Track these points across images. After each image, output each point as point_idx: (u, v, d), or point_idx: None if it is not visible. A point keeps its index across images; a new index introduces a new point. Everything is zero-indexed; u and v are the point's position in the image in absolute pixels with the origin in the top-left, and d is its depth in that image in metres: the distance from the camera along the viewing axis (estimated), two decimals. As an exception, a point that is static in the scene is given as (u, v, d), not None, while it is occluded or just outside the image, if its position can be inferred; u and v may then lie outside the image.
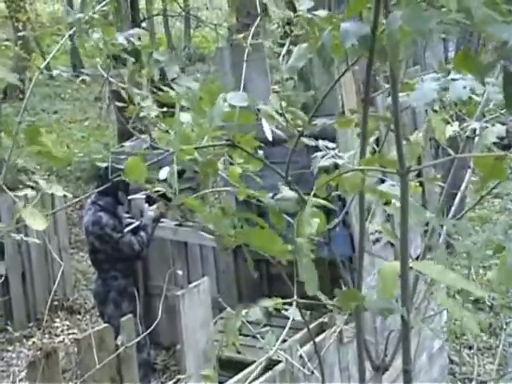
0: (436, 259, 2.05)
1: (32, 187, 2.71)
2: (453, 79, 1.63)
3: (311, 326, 6.06)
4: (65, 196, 2.70)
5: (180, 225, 7.63)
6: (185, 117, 2.13)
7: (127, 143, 8.53)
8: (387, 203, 2.24)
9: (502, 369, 7.86)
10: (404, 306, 1.69)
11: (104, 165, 3.06)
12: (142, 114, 2.71)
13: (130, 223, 7.14)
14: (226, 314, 6.78)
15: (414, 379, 5.36)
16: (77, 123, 20.15)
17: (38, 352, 3.60)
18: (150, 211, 7.14)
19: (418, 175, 6.76)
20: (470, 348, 8.14)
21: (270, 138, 2.52)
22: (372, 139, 3.05)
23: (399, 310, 1.52)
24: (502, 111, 2.37)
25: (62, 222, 10.43)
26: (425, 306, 5.89)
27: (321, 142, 2.57)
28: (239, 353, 5.84)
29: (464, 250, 2.24)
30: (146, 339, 7.24)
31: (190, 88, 2.28)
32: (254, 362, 5.48)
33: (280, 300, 1.97)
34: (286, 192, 2.34)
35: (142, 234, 7.04)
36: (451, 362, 7.89)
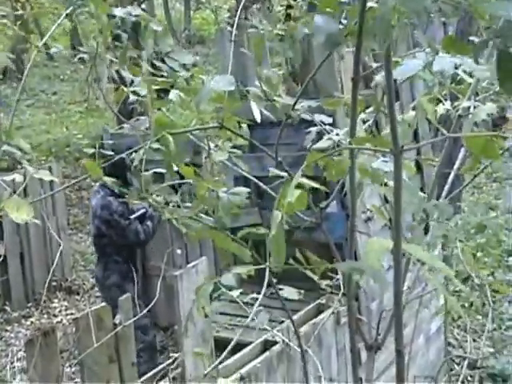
0: (414, 240, 2.06)
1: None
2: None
3: (309, 308, 6.09)
4: (52, 181, 2.72)
5: (179, 206, 7.64)
6: (173, 95, 2.15)
7: (126, 125, 8.51)
8: (384, 184, 2.26)
9: (498, 352, 7.90)
10: (396, 287, 1.71)
11: (91, 151, 3.08)
12: (131, 98, 2.70)
13: (136, 209, 7.12)
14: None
15: (410, 361, 5.38)
16: (76, 104, 20.14)
17: (36, 331, 3.62)
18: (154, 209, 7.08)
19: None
20: (467, 331, 8.18)
21: (259, 120, 2.55)
22: (371, 121, 3.07)
23: (376, 274, 1.53)
24: (496, 89, 2.40)
25: (60, 203, 10.45)
26: (422, 288, 5.95)
27: (316, 117, 2.59)
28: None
29: (441, 231, 2.25)
30: (151, 321, 7.28)
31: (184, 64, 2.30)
32: (251, 343, 5.52)
33: (252, 267, 1.98)
34: (238, 188, 2.43)
35: (149, 223, 7.04)
36: (448, 344, 7.92)
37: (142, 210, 7.08)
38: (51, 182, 9.89)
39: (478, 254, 10.36)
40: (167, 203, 2.67)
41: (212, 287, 2.84)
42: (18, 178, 2.88)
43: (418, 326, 6.83)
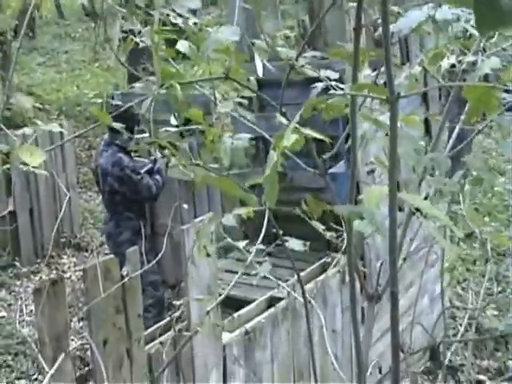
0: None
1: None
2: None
3: (314, 266, 6.15)
4: (61, 133, 2.76)
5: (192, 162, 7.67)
6: (183, 45, 2.18)
7: (137, 84, 8.53)
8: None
9: (502, 315, 7.96)
10: (391, 234, 1.74)
11: (99, 101, 3.12)
12: (141, 45, 2.72)
13: (144, 165, 7.20)
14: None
15: (414, 321, 5.41)
16: (87, 63, 20.13)
17: (45, 281, 3.69)
18: (162, 155, 7.16)
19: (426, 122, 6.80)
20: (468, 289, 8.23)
21: (261, 73, 2.58)
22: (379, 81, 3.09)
23: (371, 217, 1.56)
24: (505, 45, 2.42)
25: (70, 161, 10.50)
26: (427, 251, 5.98)
27: (323, 73, 2.61)
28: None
29: (437, 184, 2.27)
30: (161, 278, 7.37)
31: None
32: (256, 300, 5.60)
33: (252, 208, 2.02)
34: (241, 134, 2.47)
35: (158, 177, 7.12)
36: (452, 306, 7.98)
37: (150, 165, 7.16)
38: (62, 139, 9.98)
39: (486, 219, 10.39)
40: (175, 146, 2.71)
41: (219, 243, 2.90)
42: (27, 131, 2.92)
43: (422, 287, 6.90)
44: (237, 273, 6.57)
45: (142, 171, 7.07)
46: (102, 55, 19.98)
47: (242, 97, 2.67)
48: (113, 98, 8.85)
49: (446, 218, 1.73)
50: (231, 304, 5.76)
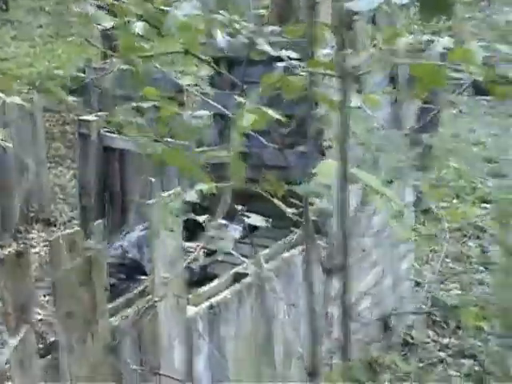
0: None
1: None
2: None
3: (279, 243, 6.19)
4: (33, 113, 2.76)
5: (157, 140, 7.68)
6: (139, 26, 2.21)
7: (113, 59, 8.54)
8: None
9: (465, 294, 8.10)
10: (342, 208, 1.79)
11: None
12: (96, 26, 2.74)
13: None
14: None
15: (380, 298, 5.51)
16: (61, 39, 20.01)
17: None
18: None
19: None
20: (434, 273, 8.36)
21: (223, 45, 2.61)
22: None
23: (323, 190, 1.62)
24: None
25: (40, 136, 10.46)
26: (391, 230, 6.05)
27: (284, 52, 2.65)
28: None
29: (389, 164, 2.31)
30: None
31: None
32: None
33: (213, 184, 2.07)
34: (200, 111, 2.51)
35: None
36: (417, 284, 8.08)
37: None
38: (33, 118, 9.99)
39: (454, 201, 10.55)
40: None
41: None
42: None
43: (387, 265, 7.00)
44: (204, 248, 6.65)
45: None
46: (76, 30, 19.85)
47: (212, 75, 2.71)
48: (84, 72, 8.84)
49: (395, 197, 1.78)
50: (197, 279, 5.84)
